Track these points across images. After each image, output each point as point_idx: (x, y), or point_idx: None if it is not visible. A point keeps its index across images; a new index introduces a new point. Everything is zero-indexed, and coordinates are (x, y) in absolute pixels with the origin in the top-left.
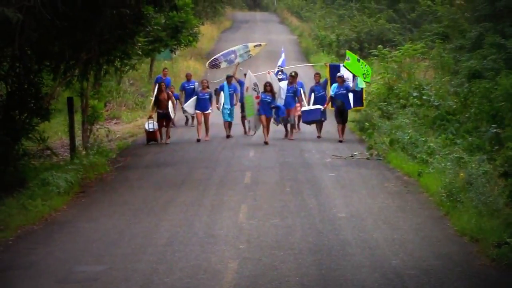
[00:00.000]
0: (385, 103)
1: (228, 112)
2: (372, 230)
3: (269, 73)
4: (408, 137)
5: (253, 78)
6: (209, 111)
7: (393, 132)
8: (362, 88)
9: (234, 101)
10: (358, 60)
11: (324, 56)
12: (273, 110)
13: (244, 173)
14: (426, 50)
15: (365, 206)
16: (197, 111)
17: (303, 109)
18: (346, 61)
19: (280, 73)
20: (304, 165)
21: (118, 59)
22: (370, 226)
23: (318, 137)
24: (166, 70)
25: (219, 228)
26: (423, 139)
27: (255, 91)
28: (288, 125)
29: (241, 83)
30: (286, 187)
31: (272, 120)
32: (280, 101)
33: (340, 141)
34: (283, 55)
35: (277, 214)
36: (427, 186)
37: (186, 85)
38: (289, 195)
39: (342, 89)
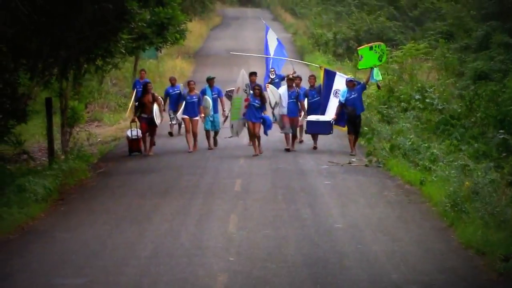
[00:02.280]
0: (386, 106)
1: (211, 119)
2: (371, 242)
3: (267, 87)
4: (410, 142)
5: (246, 78)
6: (197, 117)
7: (393, 137)
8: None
9: (218, 107)
10: (371, 48)
11: (320, 55)
12: (261, 121)
13: (233, 180)
14: (429, 50)
15: (363, 216)
16: (184, 116)
17: (310, 119)
18: (359, 61)
19: (272, 72)
20: (298, 172)
21: (100, 58)
22: (368, 237)
23: (315, 148)
24: (143, 72)
25: (207, 239)
26: (426, 145)
27: (246, 92)
28: (290, 136)
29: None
30: (279, 195)
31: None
32: (283, 110)
33: (352, 154)
34: (272, 36)
35: (269, 224)
36: (430, 195)
37: (171, 90)
38: (282, 204)
39: (353, 93)
